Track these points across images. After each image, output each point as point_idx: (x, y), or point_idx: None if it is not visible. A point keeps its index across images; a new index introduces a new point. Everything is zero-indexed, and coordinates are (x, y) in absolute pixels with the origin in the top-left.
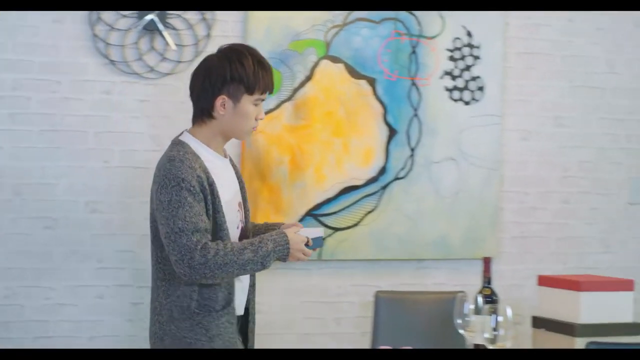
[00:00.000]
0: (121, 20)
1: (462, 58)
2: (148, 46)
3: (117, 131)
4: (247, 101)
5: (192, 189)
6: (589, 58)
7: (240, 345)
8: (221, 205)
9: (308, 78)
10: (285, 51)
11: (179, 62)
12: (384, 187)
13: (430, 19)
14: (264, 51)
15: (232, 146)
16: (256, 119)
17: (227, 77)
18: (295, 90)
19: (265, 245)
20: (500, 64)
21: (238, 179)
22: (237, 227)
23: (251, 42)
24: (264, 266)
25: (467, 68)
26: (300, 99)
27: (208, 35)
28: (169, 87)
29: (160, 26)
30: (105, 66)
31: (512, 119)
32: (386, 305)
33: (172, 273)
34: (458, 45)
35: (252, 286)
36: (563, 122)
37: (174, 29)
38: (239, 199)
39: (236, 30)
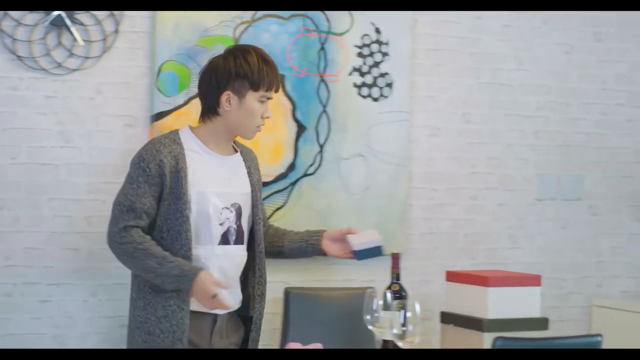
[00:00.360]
0: (28, 15)
1: (371, 55)
2: (56, 42)
3: (24, 127)
4: (252, 97)
5: (147, 169)
6: (497, 55)
7: (184, 341)
8: (186, 195)
9: None
10: (193, 47)
11: (87, 57)
12: (293, 184)
13: (338, 16)
14: (172, 47)
15: (140, 141)
16: (262, 117)
17: (232, 73)
18: None
19: (171, 268)
20: (408, 61)
21: (251, 184)
22: (221, 224)
23: (159, 38)
24: (161, 283)
25: (376, 64)
26: None
27: (116, 31)
28: (77, 83)
29: (68, 22)
30: (12, 62)
31: (421, 116)
32: (296, 301)
33: None
34: (367, 41)
35: (260, 295)
36: (471, 118)
37: (81, 24)
38: (235, 200)
39: (144, 26)
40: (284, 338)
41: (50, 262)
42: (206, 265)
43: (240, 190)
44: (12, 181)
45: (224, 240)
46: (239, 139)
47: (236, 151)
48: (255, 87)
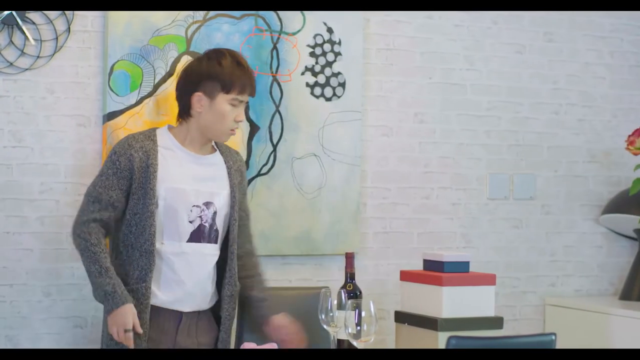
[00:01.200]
0: None
1: (323, 54)
2: (7, 41)
3: None
4: (223, 100)
5: (117, 162)
6: (448, 55)
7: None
8: (152, 190)
9: (169, 74)
10: (145, 47)
11: (39, 57)
12: (247, 183)
13: (291, 16)
14: (125, 46)
15: (92, 141)
16: (235, 120)
17: (203, 75)
18: (157, 86)
19: (106, 284)
20: (360, 60)
21: (230, 185)
22: (191, 222)
23: (111, 37)
24: (93, 291)
25: (329, 64)
26: (161, 95)
27: (68, 30)
28: (28, 83)
29: (19, 20)
30: None
31: (373, 115)
32: None
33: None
34: (319, 41)
35: (230, 296)
36: (423, 118)
37: (33, 23)
38: (209, 199)
39: (96, 25)
40: (239, 338)
41: (3, 262)
42: (172, 261)
43: (217, 191)
44: None
45: (194, 237)
46: (232, 142)
47: (215, 151)
48: (226, 89)
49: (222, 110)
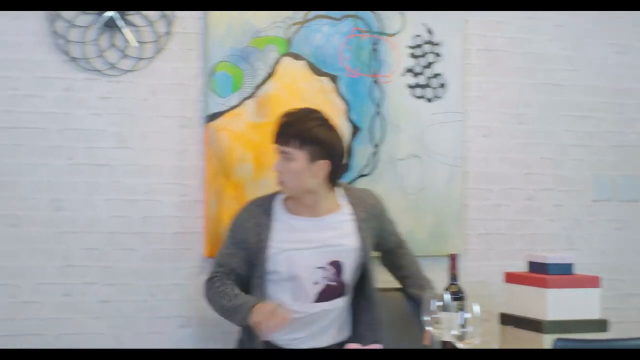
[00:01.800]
0: (81, 16)
1: (423, 55)
2: (109, 43)
3: (80, 128)
4: None
5: (235, 234)
6: (549, 55)
7: None
8: (267, 263)
9: (270, 75)
10: (246, 48)
11: (140, 59)
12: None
13: (390, 17)
14: (225, 48)
15: (194, 142)
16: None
17: None
18: (257, 87)
19: (237, 299)
20: (460, 61)
21: (361, 238)
22: (315, 283)
23: (212, 39)
24: (229, 318)
25: (429, 65)
26: (263, 96)
27: (168, 32)
28: (130, 84)
29: (121, 23)
30: (66, 63)
31: (474, 116)
32: None
33: None
34: (419, 42)
35: (373, 342)
36: (524, 119)
37: (134, 25)
38: (334, 257)
39: (197, 27)
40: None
41: (108, 262)
42: (304, 320)
43: (343, 248)
44: (68, 182)
45: (322, 297)
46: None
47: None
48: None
49: None
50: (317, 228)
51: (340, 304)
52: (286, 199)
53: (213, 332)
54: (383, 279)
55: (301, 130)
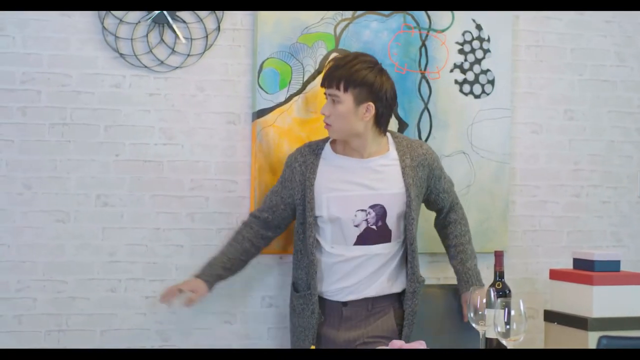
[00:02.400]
0: (130, 13)
1: (472, 51)
2: (157, 39)
3: (128, 124)
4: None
5: (285, 172)
6: (598, 51)
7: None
8: (312, 202)
9: (318, 71)
10: (294, 44)
11: (189, 55)
12: None
13: (439, 13)
14: (274, 44)
15: (242, 138)
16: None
17: None
18: (305, 83)
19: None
20: (509, 57)
21: (406, 184)
22: (357, 226)
23: (261, 35)
24: None
25: (477, 61)
26: (311, 92)
27: (218, 28)
28: (179, 81)
29: (170, 19)
30: (115, 59)
31: (522, 112)
32: None
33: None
34: (468, 38)
35: (413, 293)
36: (573, 115)
37: (183, 22)
38: (377, 201)
39: (246, 23)
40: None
41: (153, 258)
42: (339, 264)
43: (386, 192)
44: (115, 178)
45: (361, 240)
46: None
47: (387, 151)
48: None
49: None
50: (361, 169)
51: (384, 250)
52: (335, 142)
53: (258, 329)
54: (424, 275)
55: (348, 73)
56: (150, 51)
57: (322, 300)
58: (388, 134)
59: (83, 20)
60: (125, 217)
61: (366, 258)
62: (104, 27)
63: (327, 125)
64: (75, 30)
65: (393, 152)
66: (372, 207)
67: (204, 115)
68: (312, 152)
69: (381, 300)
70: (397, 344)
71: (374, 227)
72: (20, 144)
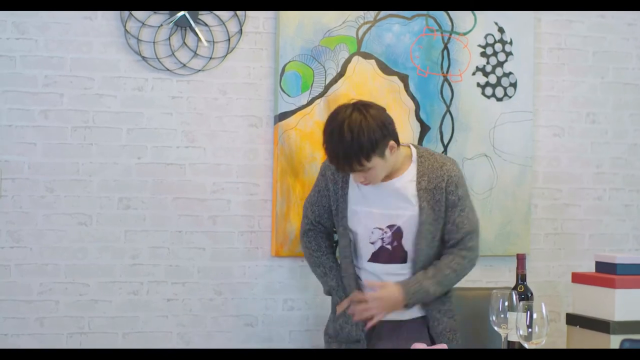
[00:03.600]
0: (152, 16)
1: (494, 54)
2: (180, 42)
3: (150, 127)
4: None
5: (319, 181)
6: (620, 54)
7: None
8: (344, 211)
9: (340, 74)
10: (316, 47)
11: (211, 58)
12: None
13: (462, 15)
14: (296, 47)
15: (264, 141)
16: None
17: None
18: (327, 86)
19: (331, 279)
20: (531, 60)
21: (420, 207)
22: (372, 243)
23: (283, 38)
24: (323, 287)
25: (500, 64)
26: (332, 95)
27: (240, 32)
28: (201, 84)
29: (192, 22)
30: (137, 62)
31: (544, 115)
32: None
33: None
34: (490, 41)
35: (439, 311)
36: (595, 118)
37: (205, 25)
38: (394, 222)
39: (268, 26)
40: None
41: (175, 261)
42: (357, 276)
43: (401, 212)
44: (137, 181)
45: (375, 258)
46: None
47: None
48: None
49: None
50: (385, 189)
51: (398, 271)
52: None
53: (280, 331)
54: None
55: (358, 149)
56: (173, 54)
57: None
58: (413, 151)
59: (105, 23)
60: (147, 220)
61: (375, 278)
62: (126, 30)
63: (368, 183)
64: (98, 33)
65: (412, 172)
66: (389, 227)
67: (226, 119)
68: None
69: (409, 323)
70: (419, 346)
71: (388, 246)
72: (42, 147)
